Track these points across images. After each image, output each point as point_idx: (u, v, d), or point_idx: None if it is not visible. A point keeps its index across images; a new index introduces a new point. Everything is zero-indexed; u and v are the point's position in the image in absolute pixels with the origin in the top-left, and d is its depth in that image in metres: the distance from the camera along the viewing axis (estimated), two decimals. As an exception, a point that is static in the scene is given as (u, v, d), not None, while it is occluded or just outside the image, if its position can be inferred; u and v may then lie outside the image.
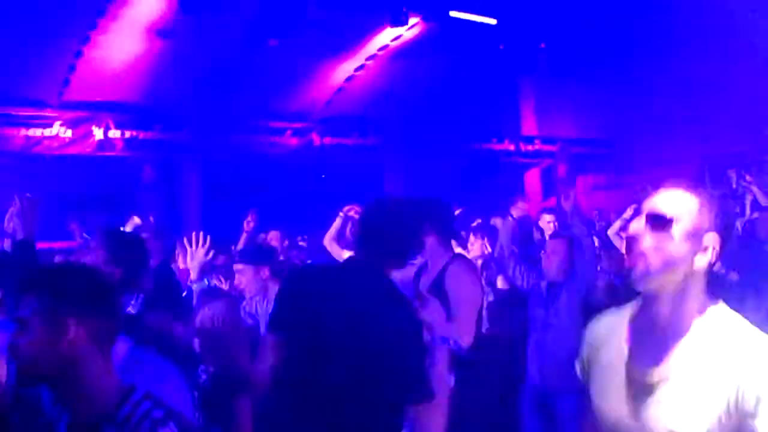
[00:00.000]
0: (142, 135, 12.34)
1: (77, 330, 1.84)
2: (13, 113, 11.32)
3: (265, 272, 4.69)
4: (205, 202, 13.59)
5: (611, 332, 2.05)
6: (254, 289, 4.71)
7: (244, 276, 4.71)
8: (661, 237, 1.86)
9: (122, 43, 11.09)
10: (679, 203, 1.88)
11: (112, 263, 3.13)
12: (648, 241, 1.87)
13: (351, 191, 16.12)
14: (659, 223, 1.87)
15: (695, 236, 1.85)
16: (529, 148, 16.07)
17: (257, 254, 4.85)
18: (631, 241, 1.89)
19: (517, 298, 5.53)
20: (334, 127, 14.17)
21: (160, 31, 11.07)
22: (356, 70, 13.70)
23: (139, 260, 3.31)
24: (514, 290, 5.64)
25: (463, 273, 3.97)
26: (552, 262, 4.98)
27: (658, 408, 1.88)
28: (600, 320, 2.16)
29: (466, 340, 3.74)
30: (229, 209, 15.51)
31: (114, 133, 12.06)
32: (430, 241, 4.02)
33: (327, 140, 14.09)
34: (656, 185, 1.96)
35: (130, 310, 3.29)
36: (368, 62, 13.66)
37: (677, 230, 1.85)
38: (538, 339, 4.97)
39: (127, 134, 12.20)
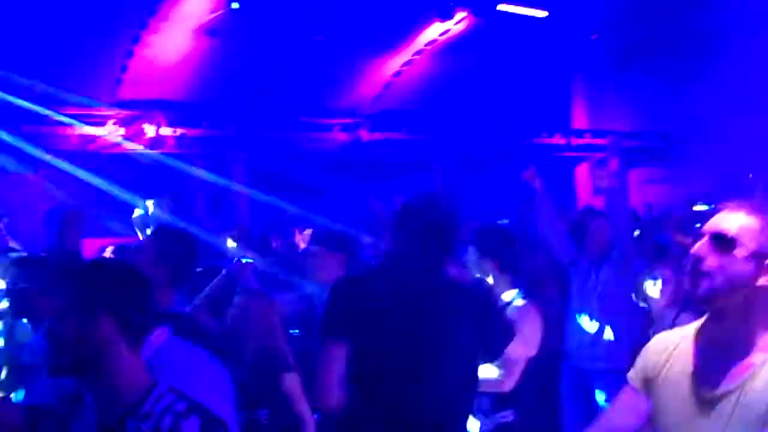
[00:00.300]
0: (192, 132, 12.52)
1: (107, 322, 1.88)
2: (68, 112, 11.59)
3: (340, 258, 4.56)
4: (254, 199, 13.72)
5: (676, 349, 2.10)
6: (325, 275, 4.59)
7: (318, 260, 4.60)
8: (724, 257, 1.90)
9: (172, 42, 11.27)
10: (742, 224, 1.92)
11: (160, 260, 3.16)
12: (712, 260, 1.91)
13: (399, 187, 16.20)
14: (723, 243, 1.91)
15: (759, 256, 1.89)
16: (580, 141, 15.81)
17: (334, 240, 4.72)
18: (695, 261, 1.93)
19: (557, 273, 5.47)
20: (383, 123, 14.16)
21: (209, 29, 11.22)
22: (404, 65, 13.67)
23: (187, 256, 3.29)
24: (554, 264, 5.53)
25: (525, 318, 3.95)
26: (594, 242, 4.98)
27: (723, 424, 1.90)
28: (663, 337, 2.21)
29: (507, 386, 3.82)
30: (278, 205, 15.72)
31: (165, 131, 12.26)
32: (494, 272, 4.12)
33: (376, 136, 14.09)
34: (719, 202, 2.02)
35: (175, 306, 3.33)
36: (416, 57, 13.62)
37: (741, 251, 1.89)
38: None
39: (178, 132, 12.39)
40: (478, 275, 4.02)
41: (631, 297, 4.70)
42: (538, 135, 15.36)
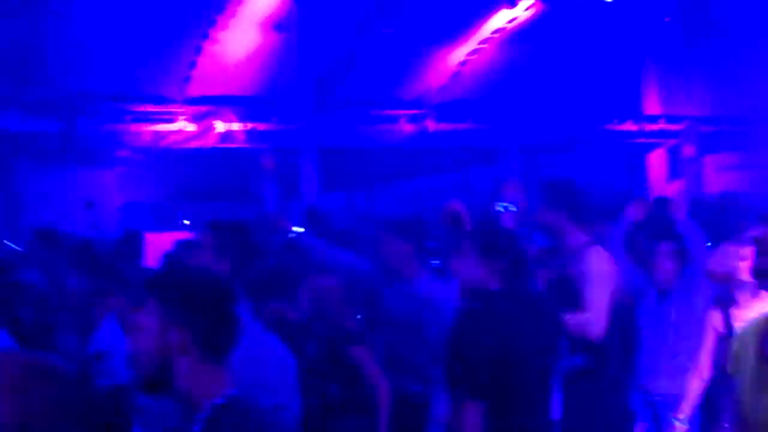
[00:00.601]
0: (261, 126, 12.68)
1: (183, 336, 1.89)
2: (141, 110, 11.88)
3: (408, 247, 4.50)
4: (324, 191, 13.83)
5: (753, 334, 2.41)
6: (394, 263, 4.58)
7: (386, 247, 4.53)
8: None
9: (240, 38, 11.41)
10: None
11: (220, 255, 3.19)
12: None
13: (467, 177, 16.11)
14: None
15: None
16: (653, 127, 15.42)
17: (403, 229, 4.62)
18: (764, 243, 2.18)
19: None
20: (450, 113, 14.07)
21: (276, 24, 11.32)
22: (470, 54, 13.55)
23: (245, 248, 3.31)
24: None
25: (600, 261, 3.92)
26: (661, 269, 4.74)
27: None
28: (749, 323, 2.51)
29: (596, 331, 3.79)
30: (347, 197, 15.84)
31: (235, 126, 12.44)
32: (564, 225, 4.04)
33: (442, 126, 14.02)
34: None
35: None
36: (482, 46, 13.48)
37: None
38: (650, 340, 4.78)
39: (248, 126, 12.57)
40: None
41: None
42: (609, 121, 15.05)
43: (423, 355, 4.21)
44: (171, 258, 4.68)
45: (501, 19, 13.02)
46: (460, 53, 13.47)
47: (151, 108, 11.88)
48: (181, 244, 5.01)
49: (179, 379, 1.90)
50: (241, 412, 1.90)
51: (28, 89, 11.10)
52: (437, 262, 5.32)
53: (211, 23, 11.05)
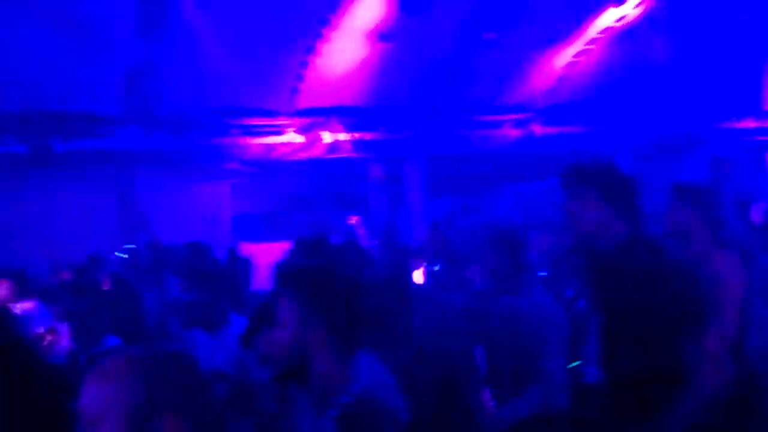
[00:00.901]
0: (368, 136, 12.81)
1: (319, 331, 1.95)
2: (251, 123, 12.20)
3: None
4: (430, 198, 13.84)
5: None
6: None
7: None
8: None
9: (345, 50, 11.53)
10: None
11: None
12: None
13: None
14: None
15: None
16: (774, 125, 14.71)
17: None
18: None
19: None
20: (556, 116, 13.82)
21: (381, 34, 11.38)
22: (577, 55, 13.24)
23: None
24: None
25: (730, 264, 3.84)
26: None
27: None
28: None
29: (729, 335, 3.64)
30: (454, 204, 15.77)
31: (342, 136, 12.62)
32: (695, 227, 3.98)
33: (548, 130, 13.79)
34: None
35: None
36: (590, 46, 13.15)
37: None
38: None
39: (354, 136, 12.72)
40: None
41: None
42: (728, 119, 14.44)
43: (528, 374, 4.13)
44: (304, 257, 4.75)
45: (609, 18, 12.67)
46: (566, 55, 13.18)
47: (260, 121, 12.20)
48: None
49: (314, 373, 1.96)
50: (370, 411, 1.93)
51: (145, 107, 11.58)
52: (544, 272, 5.21)
53: (318, 36, 11.22)
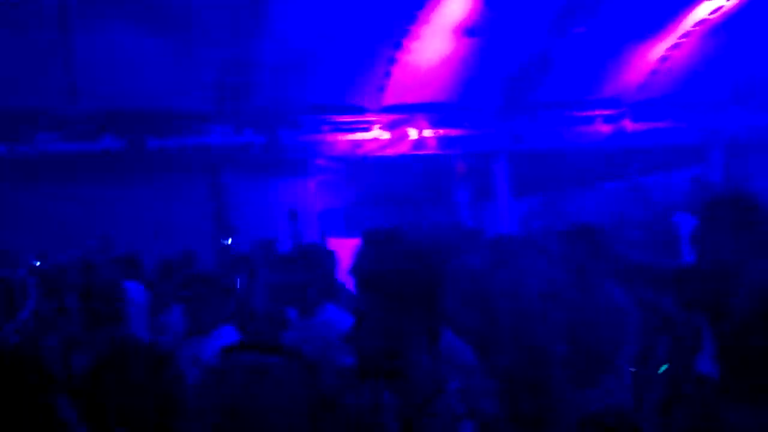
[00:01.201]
0: (453, 132, 12.76)
1: (409, 325, 1.95)
2: (338, 120, 12.30)
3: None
4: (516, 194, 13.70)
5: None
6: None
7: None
8: None
9: (432, 46, 11.50)
10: None
11: None
12: None
13: (667, 179, 15.35)
14: None
15: None
16: None
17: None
18: None
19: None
20: (648, 111, 13.49)
21: (468, 29, 11.30)
22: (670, 49, 12.86)
23: None
24: None
25: None
26: None
27: None
28: None
29: None
30: (538, 201, 15.57)
31: (427, 133, 12.60)
32: None
33: (640, 126, 13.47)
34: None
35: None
36: (683, 40, 12.77)
37: None
38: None
39: (440, 133, 12.69)
40: None
41: None
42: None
43: (601, 369, 4.12)
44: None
45: (704, 10, 12.28)
46: (659, 49, 12.82)
47: (348, 118, 12.28)
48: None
49: (405, 368, 1.94)
50: (471, 402, 1.93)
51: (233, 103, 11.78)
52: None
53: (405, 33, 11.21)
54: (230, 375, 1.49)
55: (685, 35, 12.70)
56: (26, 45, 9.82)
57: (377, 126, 12.38)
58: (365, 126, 12.36)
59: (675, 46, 12.84)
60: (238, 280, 6.63)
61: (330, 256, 5.31)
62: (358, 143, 12.39)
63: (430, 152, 12.79)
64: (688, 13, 12.30)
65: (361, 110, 12.36)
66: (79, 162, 11.38)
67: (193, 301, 3.90)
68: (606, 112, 13.35)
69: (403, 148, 12.59)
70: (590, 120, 13.30)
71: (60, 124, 11.29)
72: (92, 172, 11.52)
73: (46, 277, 5.47)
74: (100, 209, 11.00)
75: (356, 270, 2.42)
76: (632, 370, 4.34)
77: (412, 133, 12.51)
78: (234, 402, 1.44)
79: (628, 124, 13.34)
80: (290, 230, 9.19)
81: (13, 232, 10.38)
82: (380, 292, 2.00)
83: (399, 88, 12.14)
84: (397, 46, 11.44)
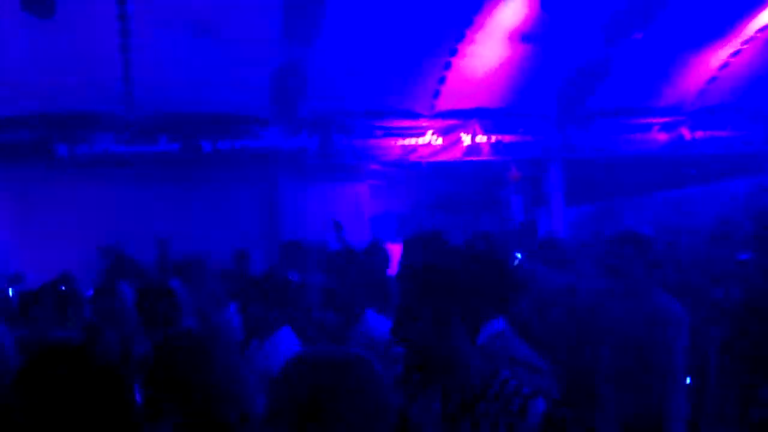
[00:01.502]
0: (507, 138, 12.69)
1: (456, 325, 2.01)
2: (391, 125, 12.32)
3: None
4: (570, 202, 13.56)
5: None
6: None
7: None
8: None
9: (488, 51, 11.44)
10: None
11: None
12: None
13: (727, 189, 15.05)
14: None
15: None
16: None
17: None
18: None
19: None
20: (707, 120, 13.24)
21: (524, 35, 11.22)
22: (732, 55, 12.60)
23: None
24: None
25: None
26: None
27: None
28: None
29: None
30: (592, 209, 15.38)
31: (481, 138, 12.56)
32: None
33: (698, 134, 13.22)
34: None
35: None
36: (745, 46, 12.49)
37: None
38: None
39: (493, 138, 12.63)
40: None
41: None
42: None
43: (648, 372, 4.11)
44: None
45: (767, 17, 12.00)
46: (720, 55, 12.56)
47: (402, 123, 12.30)
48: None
49: (452, 363, 2.00)
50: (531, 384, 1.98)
51: (287, 107, 11.89)
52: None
53: (460, 38, 11.18)
54: (310, 371, 1.50)
55: (748, 41, 12.43)
56: (86, 50, 10.05)
57: (430, 131, 12.38)
58: (419, 131, 12.36)
59: (736, 52, 12.57)
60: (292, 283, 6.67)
61: (381, 260, 5.35)
62: (412, 148, 12.40)
63: (483, 158, 12.73)
64: (752, 19, 12.03)
65: (415, 115, 12.37)
66: (136, 163, 11.60)
67: (252, 303, 3.97)
68: (663, 120, 13.15)
69: (456, 154, 12.56)
70: (647, 128, 13.11)
71: (118, 127, 11.53)
72: (149, 173, 11.74)
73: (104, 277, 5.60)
74: (155, 211, 11.19)
75: (404, 268, 2.46)
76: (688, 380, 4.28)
77: (466, 139, 12.48)
78: (313, 397, 1.45)
79: (686, 132, 13.11)
80: (336, 239, 9.21)
81: (72, 230, 10.66)
82: (427, 288, 2.05)
83: (453, 93, 12.11)
84: (453, 51, 11.42)
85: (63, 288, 5.51)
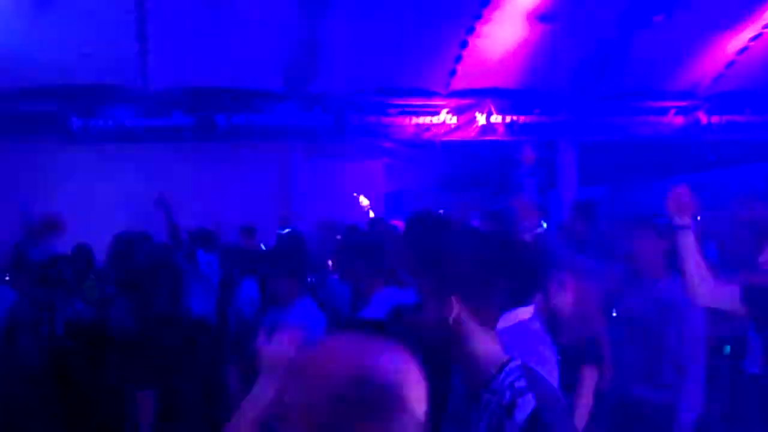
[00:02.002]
0: (522, 119, 12.63)
1: (461, 308, 1.96)
2: (405, 103, 12.27)
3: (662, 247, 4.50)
4: (583, 184, 13.51)
5: None
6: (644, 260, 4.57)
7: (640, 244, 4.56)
8: None
9: (505, 31, 11.34)
10: None
11: None
12: None
13: (744, 173, 14.96)
14: None
15: None
16: None
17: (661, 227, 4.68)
18: None
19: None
20: (724, 104, 13.12)
21: (542, 14, 11.11)
22: (752, 39, 12.43)
23: None
24: None
25: None
26: None
27: None
28: None
29: None
30: (606, 191, 15.32)
31: (495, 118, 12.50)
32: None
33: (715, 119, 13.11)
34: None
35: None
36: (765, 30, 12.33)
37: None
38: None
39: (508, 119, 12.57)
40: None
41: None
42: None
43: (661, 361, 4.10)
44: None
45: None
46: (739, 39, 12.40)
47: (416, 101, 12.25)
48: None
49: (462, 348, 1.96)
50: (532, 378, 1.94)
51: (301, 83, 11.86)
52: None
53: (477, 17, 11.08)
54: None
55: (768, 25, 12.27)
56: (102, 23, 10.03)
57: (445, 110, 12.33)
58: (433, 110, 12.31)
59: (756, 36, 12.40)
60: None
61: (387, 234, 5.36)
62: (426, 127, 12.35)
63: (497, 138, 12.68)
64: (772, 3, 11.87)
65: (430, 94, 12.31)
66: (150, 138, 11.63)
67: (272, 276, 4.06)
68: (680, 104, 13.05)
69: (470, 134, 12.51)
70: (663, 111, 13.02)
71: (133, 101, 11.55)
72: (163, 147, 11.76)
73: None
74: (169, 185, 11.22)
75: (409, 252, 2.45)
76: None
77: (480, 119, 12.43)
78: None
79: (703, 117, 13.01)
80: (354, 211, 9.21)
81: (79, 202, 10.70)
82: (434, 275, 2.02)
83: (469, 72, 12.04)
84: (469, 30, 11.32)
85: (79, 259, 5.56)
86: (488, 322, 2.01)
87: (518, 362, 1.97)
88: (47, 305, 4.64)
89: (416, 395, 1.37)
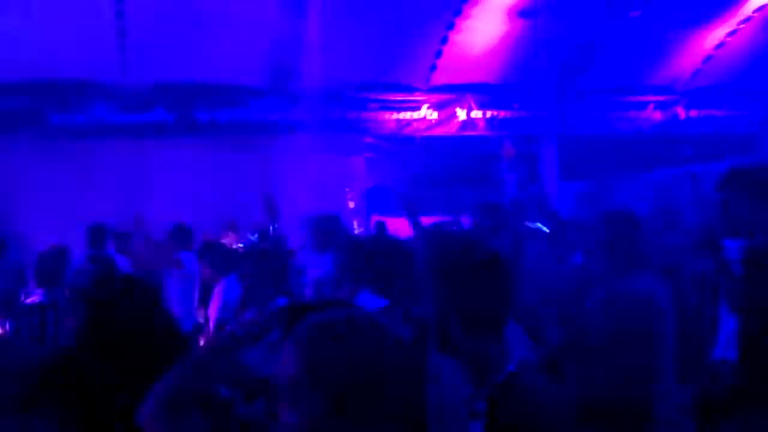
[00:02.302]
0: (502, 114, 12.67)
1: (459, 308, 1.96)
2: (386, 98, 12.27)
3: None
4: (563, 178, 13.57)
5: None
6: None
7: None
8: None
9: (485, 27, 11.38)
10: None
11: None
12: None
13: (719, 168, 15.05)
14: None
15: None
16: None
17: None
18: None
19: None
20: (702, 99, 13.24)
21: (522, 10, 11.17)
22: (729, 35, 12.56)
23: None
24: None
25: None
26: None
27: None
28: None
29: None
30: (588, 185, 15.39)
31: (476, 114, 12.54)
32: None
33: (693, 113, 13.23)
34: None
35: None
36: (742, 26, 12.46)
37: None
38: None
39: (488, 114, 12.61)
40: None
41: None
42: None
43: (627, 361, 4.10)
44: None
45: (766, -4, 11.96)
46: (716, 35, 12.52)
47: (397, 96, 12.26)
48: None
49: (459, 347, 1.94)
50: (525, 388, 1.92)
51: (282, 79, 11.83)
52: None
53: (458, 12, 11.12)
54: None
55: (745, 21, 12.39)
56: (80, 16, 9.95)
57: (426, 105, 12.35)
58: (414, 105, 12.34)
59: (733, 32, 12.53)
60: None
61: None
62: (406, 122, 12.37)
63: (478, 133, 12.73)
64: (749, -1, 12.00)
65: (410, 89, 12.33)
66: (130, 133, 11.54)
67: (250, 275, 4.02)
68: (659, 98, 13.16)
69: (451, 129, 12.55)
70: (642, 106, 13.13)
71: (112, 96, 11.46)
72: (143, 142, 11.68)
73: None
74: (150, 181, 11.17)
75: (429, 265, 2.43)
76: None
77: (461, 114, 12.47)
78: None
79: (681, 111, 13.13)
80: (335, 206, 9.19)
81: (55, 200, 10.61)
82: (449, 282, 2.01)
83: (449, 68, 12.07)
84: (450, 25, 11.35)
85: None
86: (492, 323, 2.03)
87: (519, 359, 2.00)
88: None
89: None
